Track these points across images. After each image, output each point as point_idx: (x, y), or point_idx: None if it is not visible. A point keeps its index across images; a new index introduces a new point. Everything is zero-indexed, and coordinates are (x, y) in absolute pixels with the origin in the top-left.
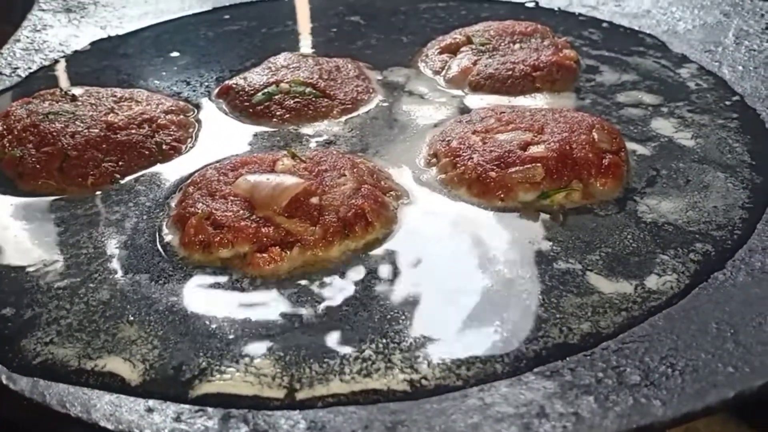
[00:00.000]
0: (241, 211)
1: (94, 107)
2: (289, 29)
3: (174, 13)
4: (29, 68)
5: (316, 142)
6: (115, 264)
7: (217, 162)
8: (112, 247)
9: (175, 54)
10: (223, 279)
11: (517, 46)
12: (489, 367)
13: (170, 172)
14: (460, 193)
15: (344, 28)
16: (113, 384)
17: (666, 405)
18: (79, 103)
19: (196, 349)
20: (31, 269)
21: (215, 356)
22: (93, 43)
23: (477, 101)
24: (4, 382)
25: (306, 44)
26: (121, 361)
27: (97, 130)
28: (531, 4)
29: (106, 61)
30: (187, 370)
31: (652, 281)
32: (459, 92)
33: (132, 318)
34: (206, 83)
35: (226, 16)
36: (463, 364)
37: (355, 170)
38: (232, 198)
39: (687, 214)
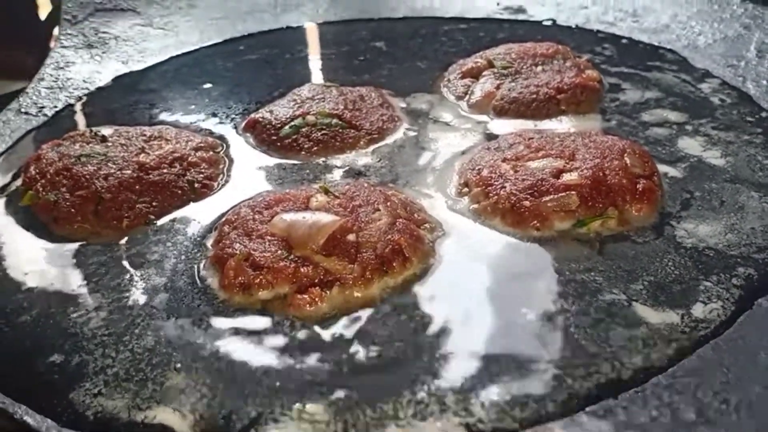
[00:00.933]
0: (279, 251)
1: (125, 147)
2: (307, 57)
3: (193, 44)
4: (55, 107)
5: (346, 173)
6: (157, 308)
7: (250, 199)
8: (153, 290)
9: (198, 87)
10: (264, 321)
11: (539, 68)
12: (542, 407)
13: (204, 210)
14: (494, 223)
15: (364, 54)
16: None
17: None
18: (110, 144)
19: (245, 397)
20: (74, 315)
21: (264, 404)
22: (116, 79)
23: (503, 126)
24: None
25: (326, 72)
26: (170, 412)
27: (129, 171)
28: (548, 23)
29: (130, 97)
30: (237, 420)
31: (698, 310)
32: (483, 117)
33: (179, 365)
34: (232, 116)
35: (242, 47)
36: (516, 404)
37: (388, 204)
38: (269, 238)
39: (726, 237)
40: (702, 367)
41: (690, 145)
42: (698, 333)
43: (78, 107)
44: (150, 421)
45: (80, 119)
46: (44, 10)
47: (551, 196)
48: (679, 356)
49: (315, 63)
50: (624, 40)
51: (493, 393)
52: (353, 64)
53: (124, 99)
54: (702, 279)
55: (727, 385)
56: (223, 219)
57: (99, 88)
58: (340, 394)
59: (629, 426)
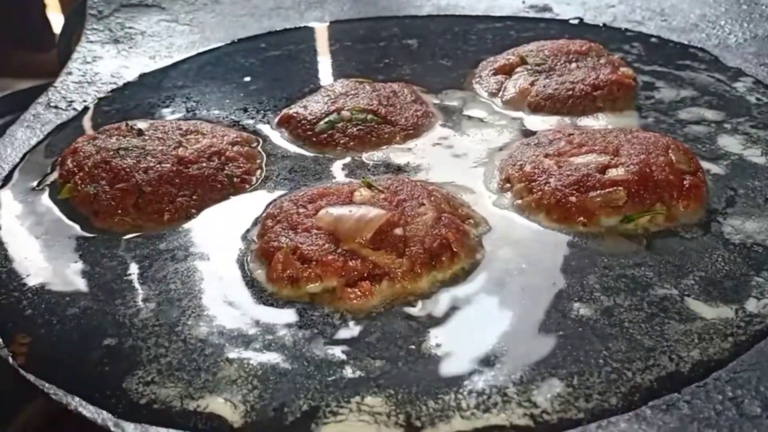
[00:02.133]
0: (327, 245)
1: (162, 141)
2: (334, 54)
3: (219, 41)
4: (84, 101)
5: (384, 169)
6: (206, 300)
7: (292, 193)
8: (200, 282)
9: (227, 83)
10: (314, 314)
11: (573, 65)
12: (606, 400)
13: (244, 204)
14: (539, 219)
15: (392, 51)
16: (219, 427)
17: None
18: (146, 138)
19: (296, 390)
20: (122, 307)
21: (317, 397)
22: (144, 75)
23: (538, 123)
24: (112, 429)
25: (354, 69)
26: (222, 402)
27: (169, 165)
28: (575, 21)
29: (159, 93)
30: (289, 413)
31: (751, 305)
32: (519, 114)
33: (231, 356)
34: (263, 111)
35: (269, 44)
36: (580, 396)
37: (432, 198)
38: (315, 231)
39: None
40: (762, 361)
41: (729, 143)
42: (754, 327)
43: (106, 102)
44: (202, 410)
45: (110, 113)
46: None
47: (598, 192)
48: (738, 350)
49: (342, 60)
50: (653, 39)
51: (554, 385)
52: (381, 61)
53: (153, 94)
54: (753, 275)
55: None
56: (266, 213)
57: (127, 83)
58: (398, 386)
59: (694, 419)
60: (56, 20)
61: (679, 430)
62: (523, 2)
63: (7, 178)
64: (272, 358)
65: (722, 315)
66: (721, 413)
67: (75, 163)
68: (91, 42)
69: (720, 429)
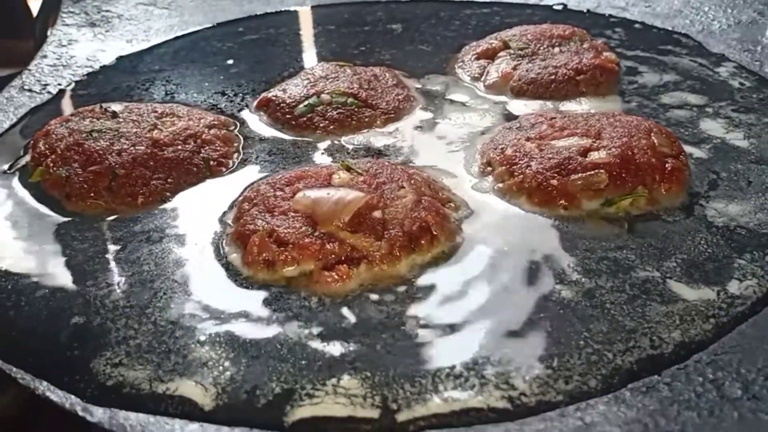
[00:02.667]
0: (304, 228)
1: (137, 124)
2: (315, 37)
3: (198, 24)
4: (59, 84)
5: (364, 152)
6: (179, 282)
7: (269, 176)
8: (174, 264)
9: (205, 66)
10: (290, 298)
11: (556, 50)
12: (585, 382)
13: (220, 188)
14: (520, 202)
15: (374, 36)
16: (190, 411)
17: None
18: (121, 120)
19: (269, 373)
20: (93, 288)
21: (291, 380)
22: (120, 58)
23: (521, 107)
24: (80, 414)
25: (335, 53)
26: (192, 385)
27: (143, 147)
28: (559, 7)
29: (136, 76)
30: (261, 395)
31: (733, 286)
32: (501, 98)
33: (202, 339)
34: (243, 94)
35: (249, 27)
36: (559, 378)
37: (412, 181)
38: (292, 214)
39: (756, 217)
40: (742, 343)
41: (712, 126)
42: (736, 309)
43: (82, 85)
44: (171, 393)
45: (85, 97)
46: None
47: (579, 175)
48: (719, 332)
49: (323, 43)
50: (637, 25)
51: (533, 367)
52: (363, 45)
53: (130, 77)
54: (735, 257)
55: None
56: (242, 196)
57: (103, 67)
58: (374, 369)
59: (674, 401)
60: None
61: (658, 413)
62: None
63: None
64: (245, 341)
65: (704, 297)
66: (701, 395)
67: (47, 146)
68: (67, 25)
69: (700, 411)
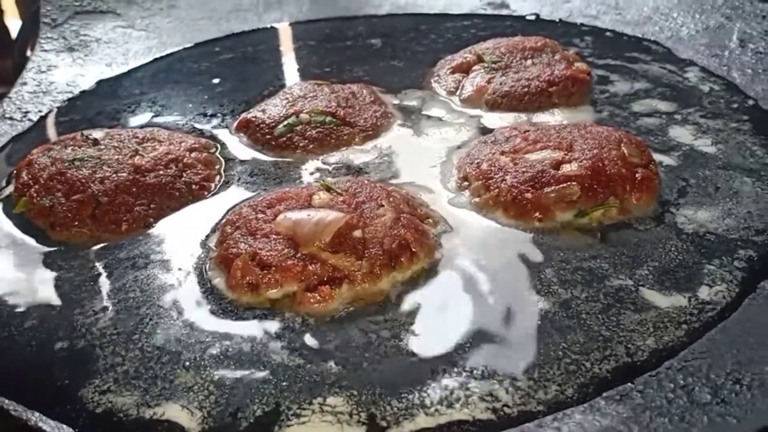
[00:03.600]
0: (286, 250)
1: (118, 150)
2: (293, 56)
3: (176, 45)
4: (40, 111)
5: (345, 171)
6: (165, 308)
7: (251, 199)
8: (160, 290)
9: (184, 88)
10: (273, 320)
11: (529, 62)
12: (563, 391)
13: (203, 211)
14: (496, 216)
15: (351, 52)
16: None
17: (741, 422)
18: (102, 147)
19: (252, 395)
20: (80, 317)
21: (270, 402)
22: (100, 82)
23: (496, 120)
24: None
25: (313, 71)
26: (179, 409)
27: (125, 174)
28: (531, 17)
29: (116, 100)
30: (243, 418)
31: (704, 292)
32: (476, 112)
33: (187, 364)
34: (221, 116)
35: (226, 47)
36: (539, 388)
37: (391, 199)
38: (274, 236)
39: (725, 222)
40: (712, 349)
41: (681, 133)
42: (706, 314)
43: (63, 111)
44: (159, 418)
45: (66, 123)
46: (11, 16)
47: (552, 188)
48: (690, 338)
49: (301, 61)
50: (608, 33)
51: (515, 378)
52: (340, 61)
53: (110, 102)
54: (705, 263)
55: (738, 365)
56: (225, 219)
57: (83, 92)
58: (360, 387)
59: (646, 408)
60: (15, 27)
61: (632, 420)
62: (481, 0)
63: None
64: (229, 363)
65: (676, 303)
66: (672, 401)
67: (30, 176)
68: (46, 51)
69: (671, 417)
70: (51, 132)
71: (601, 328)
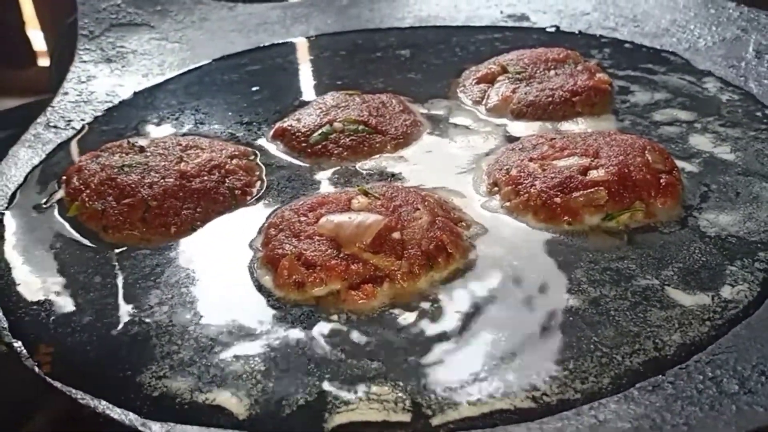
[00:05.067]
0: (329, 250)
1: (164, 157)
2: (321, 67)
3: (209, 57)
4: (82, 120)
5: (379, 176)
6: (217, 303)
7: (291, 203)
8: (212, 288)
9: (220, 98)
10: (319, 316)
11: (552, 72)
12: (599, 381)
13: (247, 215)
14: (527, 219)
15: (378, 63)
16: (225, 418)
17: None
18: (148, 154)
19: (296, 385)
20: (136, 311)
21: (313, 393)
22: (137, 93)
23: (522, 128)
24: (140, 429)
25: (343, 81)
26: (229, 396)
27: (172, 180)
28: (552, 29)
29: (155, 109)
30: (287, 405)
31: (726, 292)
32: (502, 120)
33: (238, 354)
34: (258, 124)
35: (257, 58)
36: (576, 378)
37: (426, 203)
38: (317, 238)
39: (746, 225)
40: (738, 344)
41: (701, 141)
42: (729, 312)
43: (104, 120)
44: (210, 403)
45: (108, 131)
46: (33, 27)
47: (581, 192)
48: (716, 334)
49: (330, 72)
50: (627, 44)
51: (552, 369)
52: (367, 72)
53: (149, 112)
54: (727, 264)
55: (763, 359)
56: (268, 222)
57: (122, 101)
58: (405, 377)
59: (678, 398)
60: (35, 37)
61: (664, 409)
62: (501, 12)
63: (13, 197)
64: (276, 355)
65: (700, 302)
66: (702, 392)
67: (81, 181)
68: (85, 62)
69: (702, 406)
70: (93, 139)
71: (630, 324)
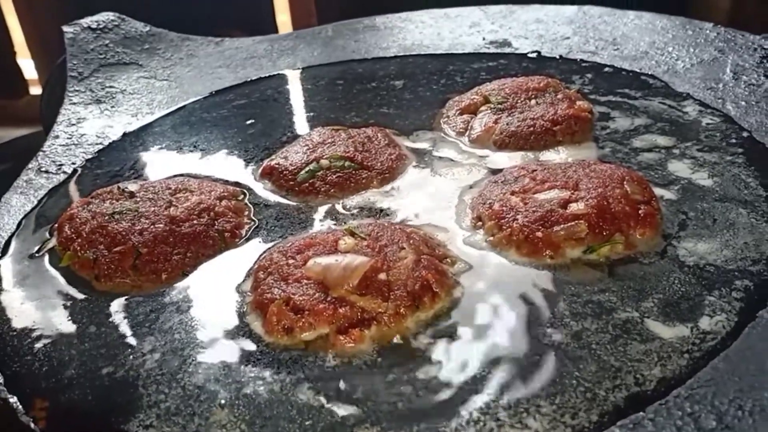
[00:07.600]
0: (317, 294)
1: (153, 202)
2: (307, 101)
3: (198, 94)
4: (73, 163)
5: (367, 213)
6: (207, 348)
7: (279, 244)
8: (203, 331)
9: (208, 136)
10: (306, 360)
11: (533, 102)
12: (586, 417)
13: (236, 258)
14: (510, 254)
15: (364, 94)
16: None
17: None
18: (138, 200)
19: None
20: (130, 358)
21: None
22: (127, 134)
23: (504, 159)
24: None
25: (330, 114)
26: None
27: (162, 225)
28: (533, 55)
29: (144, 150)
30: None
31: (705, 323)
32: (485, 152)
33: (223, 402)
34: (246, 162)
35: (244, 93)
36: (566, 412)
37: (411, 242)
38: (305, 281)
39: (723, 253)
40: (716, 377)
41: (679, 168)
42: (707, 344)
43: (95, 163)
44: None
45: (100, 175)
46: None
47: (561, 226)
48: (695, 367)
49: (316, 105)
50: (607, 68)
51: (540, 406)
52: (354, 104)
53: (139, 153)
54: (705, 294)
55: (740, 392)
56: (257, 265)
57: (112, 143)
58: (395, 423)
59: None
60: (26, 66)
61: None
62: (484, 39)
63: (6, 245)
64: (260, 402)
65: (679, 334)
66: (681, 428)
67: (72, 230)
68: (74, 104)
69: None
70: (85, 184)
71: (611, 358)
